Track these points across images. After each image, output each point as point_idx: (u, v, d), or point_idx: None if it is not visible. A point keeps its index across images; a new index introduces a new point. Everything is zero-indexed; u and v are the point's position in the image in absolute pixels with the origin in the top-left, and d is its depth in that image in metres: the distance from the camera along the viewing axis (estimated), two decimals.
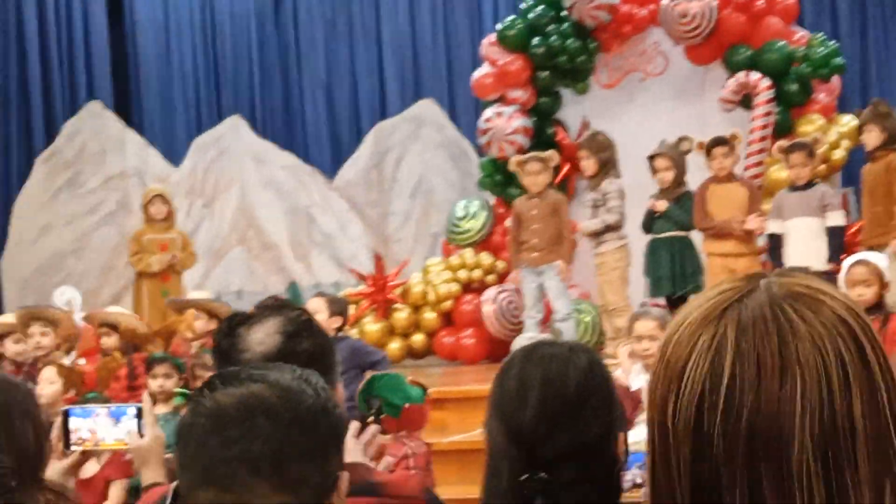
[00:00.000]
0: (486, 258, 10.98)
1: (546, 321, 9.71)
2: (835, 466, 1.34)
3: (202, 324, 9.06)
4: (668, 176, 9.36)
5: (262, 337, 2.58)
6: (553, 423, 2.32)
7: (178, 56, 14.30)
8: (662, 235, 9.36)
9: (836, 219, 9.07)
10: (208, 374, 2.72)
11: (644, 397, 4.53)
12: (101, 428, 3.79)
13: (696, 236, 9.47)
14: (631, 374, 6.49)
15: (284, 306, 2.74)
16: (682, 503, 1.40)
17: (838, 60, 10.62)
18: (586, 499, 2.32)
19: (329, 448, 1.92)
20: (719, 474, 1.36)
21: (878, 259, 7.65)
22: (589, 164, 9.89)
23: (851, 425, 1.34)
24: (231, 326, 2.67)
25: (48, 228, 12.25)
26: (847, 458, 1.34)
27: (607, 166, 9.94)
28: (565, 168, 10.64)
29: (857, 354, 1.36)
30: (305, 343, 2.58)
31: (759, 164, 9.94)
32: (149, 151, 13.07)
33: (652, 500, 1.45)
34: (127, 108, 13.91)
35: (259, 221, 12.35)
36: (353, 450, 2.92)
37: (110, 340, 8.89)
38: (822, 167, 9.60)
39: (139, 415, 3.72)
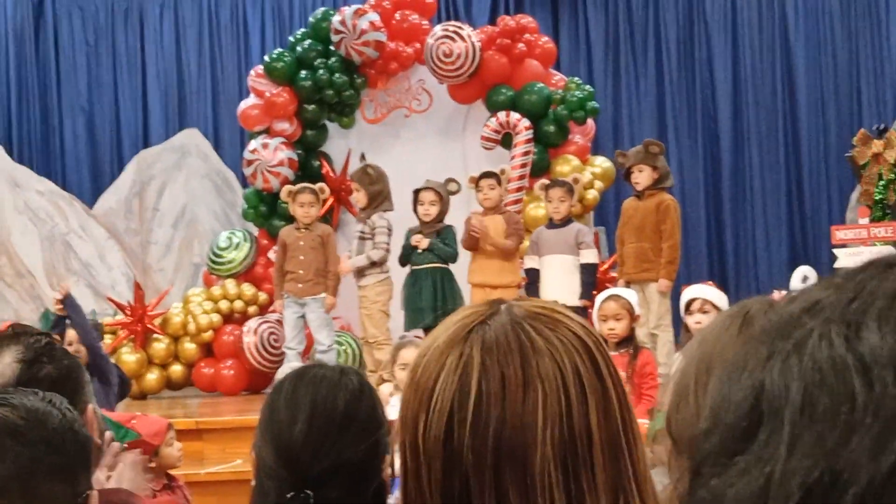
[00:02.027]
0: (248, 289, 11.00)
1: (307, 353, 9.76)
2: (573, 473, 1.41)
3: None
4: (434, 210, 9.47)
5: (1, 368, 2.55)
6: (321, 443, 2.34)
7: None
8: (424, 266, 9.43)
9: (590, 256, 9.35)
10: None
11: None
12: None
13: (454, 269, 9.60)
14: (389, 406, 6.61)
15: (23, 333, 2.70)
16: None
17: (593, 104, 10.82)
18: None
19: (77, 467, 1.90)
20: (468, 486, 1.41)
21: (629, 294, 7.90)
22: (360, 197, 9.95)
23: (588, 434, 1.42)
24: None
25: None
26: (584, 465, 1.41)
27: (377, 199, 9.96)
28: (329, 201, 10.68)
29: (592, 368, 1.44)
30: (46, 368, 2.54)
31: (517, 201, 10.12)
32: None
33: None
34: None
35: (13, 248, 11.87)
36: (125, 476, 2.95)
37: None
38: (577, 206, 9.84)
39: None
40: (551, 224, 9.49)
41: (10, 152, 12.42)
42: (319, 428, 2.35)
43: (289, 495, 2.31)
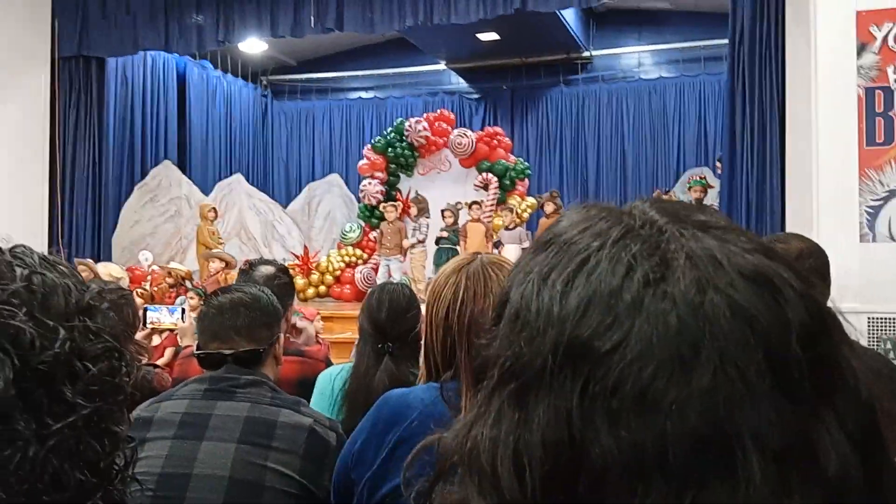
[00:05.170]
0: (358, 251, 10.59)
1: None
2: None
3: (216, 266, 9.04)
4: (451, 220, 9.73)
5: (265, 269, 2.61)
6: (394, 321, 2.28)
7: None
8: (444, 246, 9.60)
9: (526, 242, 9.38)
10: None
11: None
12: (163, 317, 4.04)
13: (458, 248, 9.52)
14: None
15: (274, 261, 2.76)
16: (436, 352, 1.48)
17: (528, 171, 11.11)
18: (411, 357, 2.25)
19: (273, 324, 1.90)
20: (454, 339, 1.46)
21: None
22: (413, 210, 10.07)
23: None
24: (250, 265, 2.70)
25: None
26: None
27: (422, 212, 10.06)
28: (400, 211, 10.52)
29: None
30: (283, 278, 2.61)
31: (490, 216, 10.35)
32: None
33: (424, 352, 1.52)
34: None
35: (247, 227, 11.50)
36: (304, 334, 3.04)
37: (170, 279, 9.03)
38: (519, 219, 10.17)
39: (183, 312, 4.11)
40: (507, 227, 9.81)
41: (247, 179, 12.16)
42: (394, 312, 2.31)
43: (380, 345, 2.27)
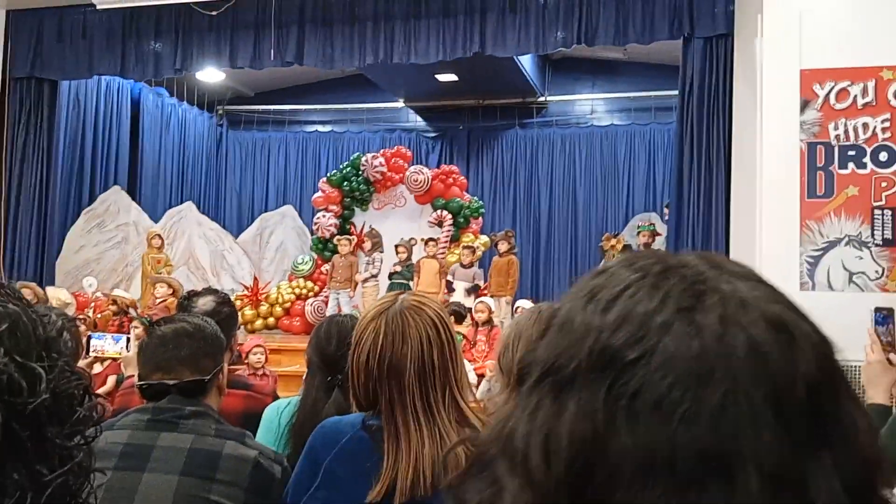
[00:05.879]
0: (309, 284, 10.50)
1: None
2: (424, 381, 1.47)
3: (163, 291, 8.76)
4: (405, 255, 9.75)
5: (204, 302, 2.56)
6: (342, 353, 2.14)
7: None
8: (397, 281, 9.51)
9: (479, 281, 9.72)
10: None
11: None
12: (107, 345, 3.96)
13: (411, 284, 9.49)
14: None
15: (216, 291, 2.71)
16: (361, 397, 1.52)
17: (482, 210, 11.19)
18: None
19: (217, 353, 1.88)
20: (376, 386, 1.48)
21: (491, 301, 8.39)
22: (367, 245, 10.17)
23: (432, 363, 1.48)
24: (188, 295, 2.66)
25: None
26: (430, 377, 1.48)
27: (376, 246, 10.17)
28: (354, 244, 10.73)
29: (435, 333, 1.50)
30: (225, 308, 2.57)
31: (444, 252, 10.44)
32: None
33: (351, 389, 1.55)
34: None
35: (196, 256, 11.41)
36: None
37: (114, 307, 8.69)
38: (473, 257, 10.06)
39: (128, 341, 3.93)
40: (464, 266, 9.85)
41: (198, 208, 11.96)
42: (343, 345, 2.17)
43: (329, 378, 2.22)
